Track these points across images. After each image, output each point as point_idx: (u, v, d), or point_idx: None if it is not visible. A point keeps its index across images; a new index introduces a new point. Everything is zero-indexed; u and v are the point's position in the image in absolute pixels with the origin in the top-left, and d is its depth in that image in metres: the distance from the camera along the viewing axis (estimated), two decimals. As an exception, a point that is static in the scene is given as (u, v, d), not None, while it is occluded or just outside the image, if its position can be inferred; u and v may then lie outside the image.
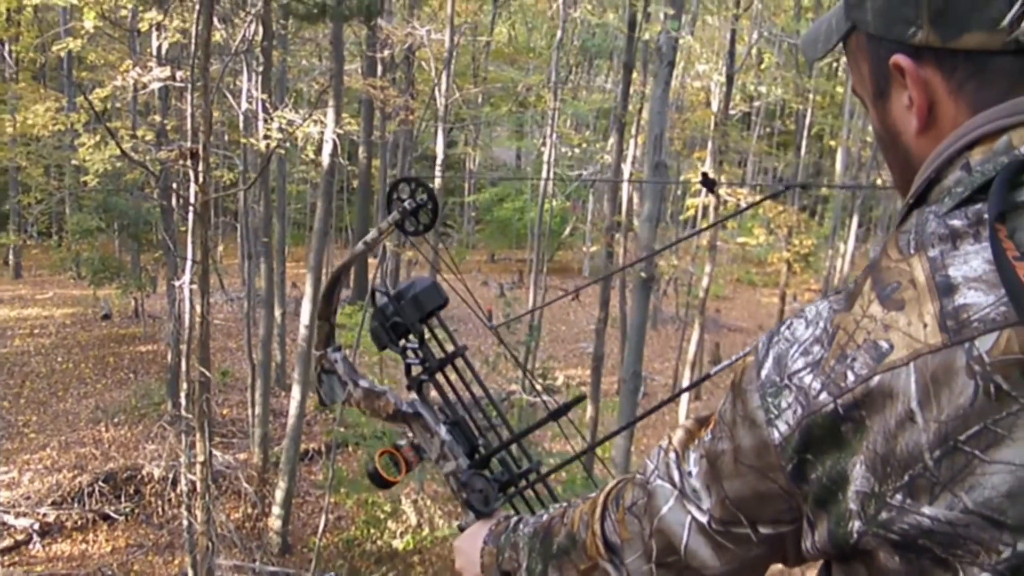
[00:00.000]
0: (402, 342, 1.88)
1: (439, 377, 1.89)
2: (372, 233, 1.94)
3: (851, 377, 0.88)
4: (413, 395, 1.90)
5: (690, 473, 1.12)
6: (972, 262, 0.86)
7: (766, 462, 0.97)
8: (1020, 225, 0.87)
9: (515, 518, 1.59)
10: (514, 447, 1.85)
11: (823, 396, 0.90)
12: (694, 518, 1.11)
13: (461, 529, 1.73)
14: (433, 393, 1.90)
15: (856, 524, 0.89)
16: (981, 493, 0.81)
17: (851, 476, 0.89)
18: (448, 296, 1.93)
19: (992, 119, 0.95)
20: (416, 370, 1.88)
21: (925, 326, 0.85)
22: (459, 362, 1.89)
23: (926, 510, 0.83)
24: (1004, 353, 0.80)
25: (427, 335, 1.90)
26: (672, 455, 1.16)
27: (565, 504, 1.46)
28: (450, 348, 1.90)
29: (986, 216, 0.88)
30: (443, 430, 1.82)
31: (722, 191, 20.68)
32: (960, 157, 0.96)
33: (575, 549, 1.33)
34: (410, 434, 1.87)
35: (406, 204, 1.90)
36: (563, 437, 1.99)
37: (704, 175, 2.42)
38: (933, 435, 0.82)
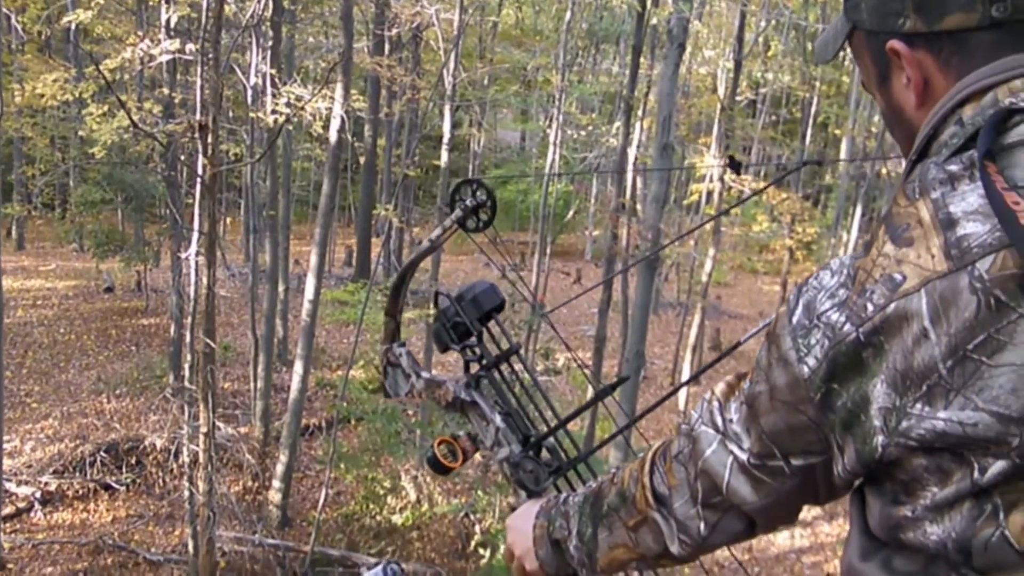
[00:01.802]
0: (463, 342, 1.97)
1: (494, 371, 1.98)
2: (436, 231, 2.09)
3: (870, 308, 0.99)
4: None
5: (731, 420, 1.24)
6: (969, 198, 0.98)
7: (797, 396, 1.09)
8: (1009, 163, 1.01)
9: (565, 493, 1.69)
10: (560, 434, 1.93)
11: (847, 327, 1.01)
12: (735, 457, 1.23)
13: (512, 509, 1.80)
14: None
15: (880, 439, 1.00)
16: (990, 393, 0.92)
17: (872, 396, 1.00)
18: (504, 297, 2.02)
19: (979, 79, 1.10)
20: (474, 367, 1.97)
21: (933, 257, 0.96)
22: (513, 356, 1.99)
23: (941, 414, 0.94)
24: (1001, 270, 0.92)
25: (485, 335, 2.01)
26: (715, 403, 1.29)
27: (614, 470, 1.54)
28: (505, 346, 2.00)
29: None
30: (498, 418, 1.90)
31: (727, 178, 20.70)
32: (953, 114, 1.11)
33: (625, 506, 1.44)
34: (469, 424, 1.96)
35: (467, 203, 2.02)
36: (579, 419, 2.07)
37: (731, 157, 2.52)
38: (945, 347, 0.93)
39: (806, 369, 1.06)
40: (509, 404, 1.95)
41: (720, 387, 1.30)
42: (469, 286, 2.01)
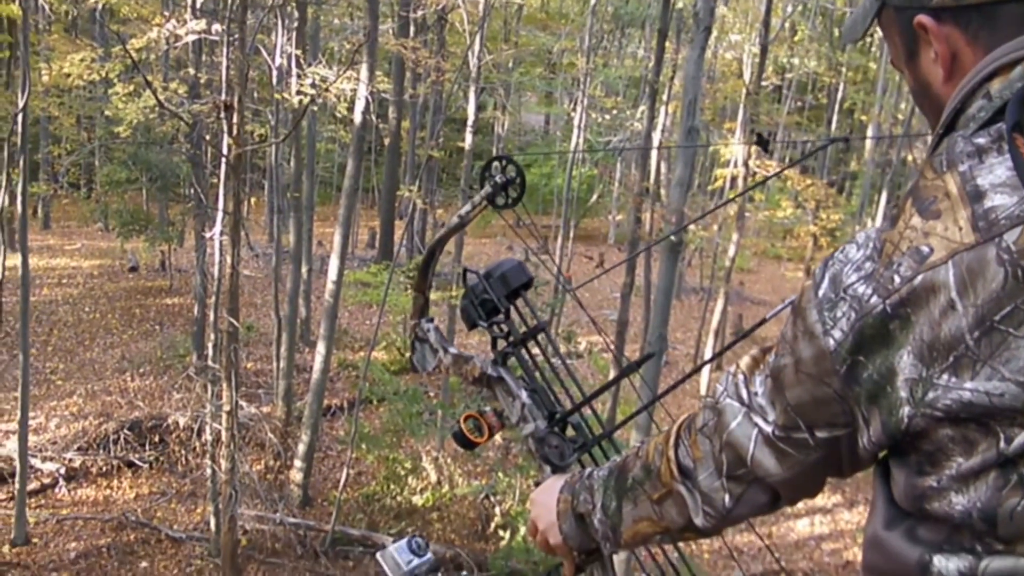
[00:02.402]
0: (491, 319, 2.00)
1: (521, 349, 2.01)
2: (466, 207, 2.11)
3: (897, 280, 1.00)
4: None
5: (756, 392, 1.25)
6: (996, 171, 0.99)
7: (822, 368, 1.09)
8: None
9: (590, 468, 1.69)
10: (585, 410, 1.95)
11: (874, 299, 1.02)
12: (760, 430, 1.24)
13: (537, 484, 1.81)
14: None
15: (906, 409, 1.01)
16: (1016, 364, 0.93)
17: (899, 368, 1.01)
18: (532, 275, 2.04)
19: (1007, 52, 1.09)
20: (501, 344, 1.99)
21: (960, 229, 0.97)
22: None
23: (968, 385, 0.95)
24: None
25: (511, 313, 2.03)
26: (740, 376, 1.29)
27: (639, 444, 1.55)
28: (532, 323, 2.02)
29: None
30: (524, 394, 1.91)
31: (751, 163, 20.61)
32: (981, 88, 1.10)
33: (649, 479, 1.45)
34: (495, 401, 1.97)
35: (497, 179, 2.04)
36: (602, 399, 2.09)
37: (759, 134, 2.51)
38: (972, 318, 0.94)
39: (831, 342, 1.06)
40: (535, 381, 1.96)
41: (745, 361, 1.31)
42: (497, 263, 2.03)
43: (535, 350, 2.03)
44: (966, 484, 0.99)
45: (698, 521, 1.38)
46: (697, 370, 2.16)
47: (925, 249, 0.98)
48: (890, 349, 1.01)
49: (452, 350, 2.06)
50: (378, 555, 2.09)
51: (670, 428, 1.44)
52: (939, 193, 1.01)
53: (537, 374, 1.98)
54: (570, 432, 1.91)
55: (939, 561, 1.03)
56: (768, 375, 1.23)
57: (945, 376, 0.96)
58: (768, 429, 1.22)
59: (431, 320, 2.14)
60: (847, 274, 1.07)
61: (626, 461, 1.53)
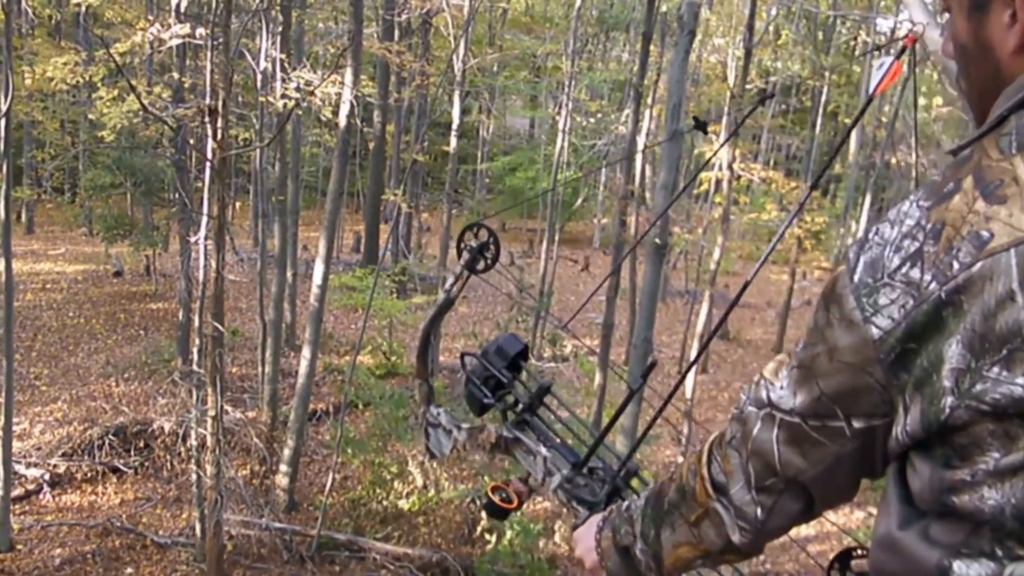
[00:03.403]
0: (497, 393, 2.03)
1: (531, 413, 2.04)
2: (450, 280, 2.15)
3: (956, 266, 0.95)
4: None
5: (780, 386, 1.20)
6: None
7: (864, 357, 1.05)
8: None
9: (628, 500, 1.66)
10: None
11: (932, 285, 0.97)
12: (782, 425, 1.20)
13: (575, 528, 1.79)
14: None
15: (949, 400, 0.97)
16: None
17: (946, 356, 0.96)
18: (526, 343, 2.08)
19: None
20: (512, 416, 2.02)
21: None
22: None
23: (1020, 380, 0.91)
24: None
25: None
26: (763, 381, 1.25)
27: (673, 470, 1.51)
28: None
29: None
30: (543, 449, 1.93)
31: (736, 166, 20.65)
32: None
33: (685, 501, 1.41)
34: (518, 467, 2.00)
35: (472, 245, 2.10)
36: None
37: (695, 118, 2.56)
38: None
39: (874, 330, 1.02)
40: (551, 440, 1.98)
41: (769, 366, 1.27)
42: (491, 342, 2.07)
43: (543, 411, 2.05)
44: (1002, 480, 0.95)
45: (735, 538, 1.34)
46: (687, 371, 2.17)
47: (985, 234, 0.94)
48: (941, 336, 0.96)
49: (464, 426, 2.09)
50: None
51: (702, 446, 1.40)
52: (1006, 177, 0.96)
53: (552, 433, 2.00)
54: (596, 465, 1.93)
55: (959, 568, 0.99)
56: (796, 366, 1.18)
57: (996, 369, 0.92)
58: (794, 420, 1.18)
59: (439, 406, 2.16)
60: (888, 257, 1.02)
61: (662, 486, 1.49)
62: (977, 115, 1.15)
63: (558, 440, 1.97)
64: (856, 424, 1.12)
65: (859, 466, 1.19)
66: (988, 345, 0.92)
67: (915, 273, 0.99)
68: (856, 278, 1.05)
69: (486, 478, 14.52)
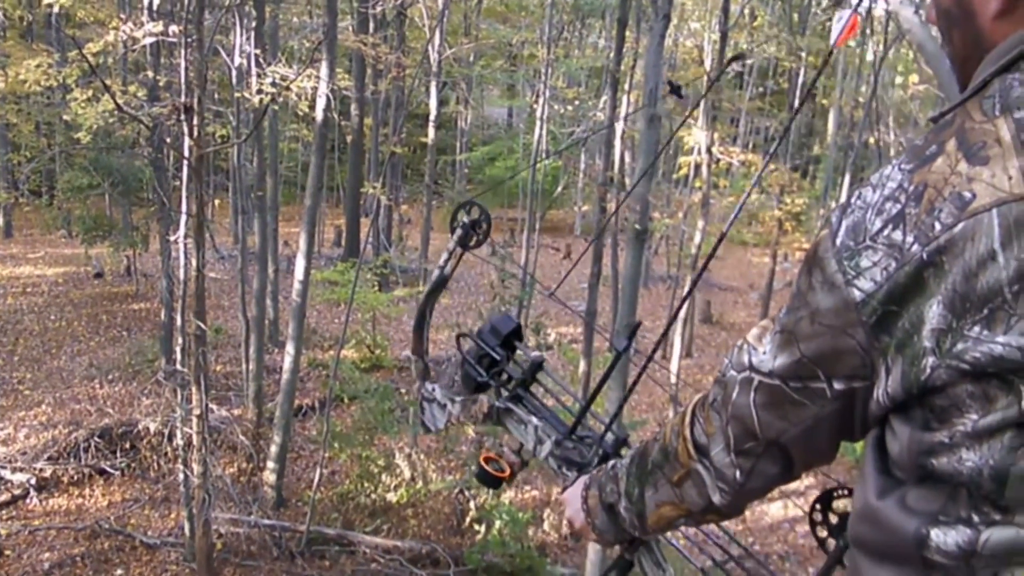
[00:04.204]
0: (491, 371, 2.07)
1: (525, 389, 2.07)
2: (443, 256, 2.21)
3: (938, 227, 0.95)
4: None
5: (763, 351, 1.20)
6: None
7: (845, 320, 1.05)
8: None
9: (615, 460, 1.68)
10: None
11: (914, 247, 0.97)
12: (758, 392, 1.21)
13: (565, 489, 1.82)
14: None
15: (930, 360, 0.97)
16: None
17: (927, 317, 0.97)
18: (519, 322, 2.12)
19: None
20: (505, 392, 2.05)
21: (1010, 179, 0.92)
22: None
23: (1000, 339, 0.92)
24: None
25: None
26: (745, 346, 1.25)
27: (658, 430, 1.52)
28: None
29: None
30: (535, 419, 1.96)
31: (715, 149, 20.69)
32: None
33: (668, 461, 1.42)
34: (508, 438, 2.05)
35: (465, 221, 2.16)
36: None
37: (669, 82, 2.58)
38: (1013, 271, 0.91)
39: (856, 292, 1.03)
40: (542, 410, 2.01)
41: (753, 332, 1.27)
42: (487, 323, 2.11)
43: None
44: (980, 441, 0.96)
45: (715, 499, 1.35)
46: (663, 337, 2.18)
47: (967, 195, 0.94)
48: (922, 298, 0.97)
49: (459, 398, 2.12)
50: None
51: (686, 408, 1.41)
52: (989, 138, 0.97)
53: (542, 406, 2.03)
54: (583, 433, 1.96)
55: (937, 536, 1.00)
56: (778, 331, 1.17)
57: (976, 328, 0.93)
58: (775, 383, 1.18)
59: (434, 382, 2.21)
60: (871, 220, 1.02)
61: (646, 446, 1.50)
62: (960, 80, 1.16)
63: (548, 412, 1.98)
64: (837, 386, 1.12)
65: (839, 428, 1.19)
66: (969, 305, 0.93)
67: (897, 235, 0.99)
68: (838, 241, 1.05)
69: (474, 467, 14.53)
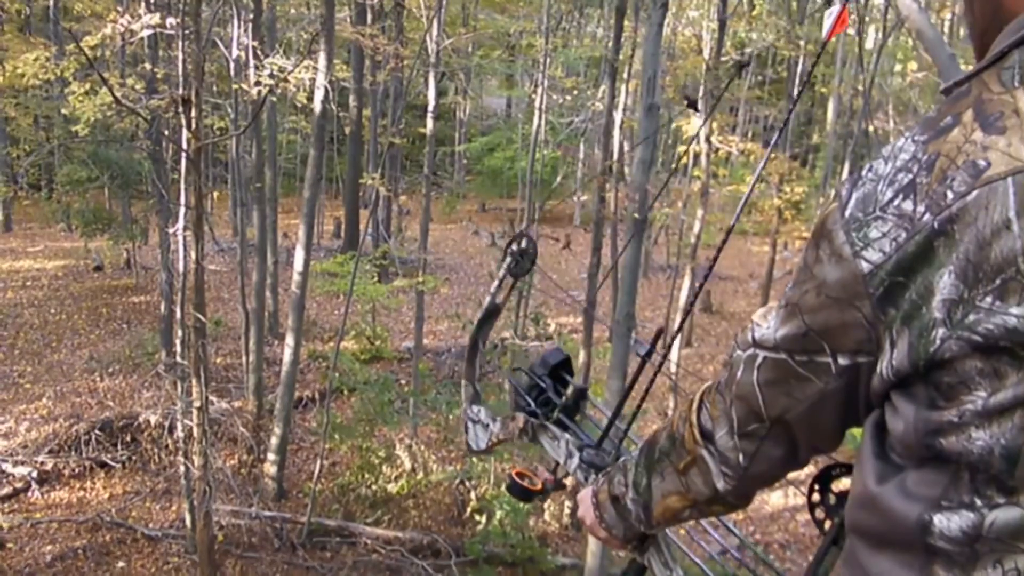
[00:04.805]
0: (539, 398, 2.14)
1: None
2: (494, 284, 2.29)
3: (950, 195, 0.94)
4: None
5: (767, 327, 1.18)
6: None
7: (852, 292, 1.03)
8: None
9: (626, 455, 1.71)
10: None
11: (926, 217, 0.95)
12: (761, 369, 1.19)
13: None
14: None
15: (940, 331, 0.95)
16: None
17: (937, 288, 0.95)
18: (569, 354, 2.22)
19: None
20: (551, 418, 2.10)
21: None
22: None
23: (1013, 310, 0.90)
24: None
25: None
26: (751, 325, 1.23)
27: (667, 418, 1.51)
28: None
29: None
30: (567, 436, 2.00)
31: (714, 139, 20.66)
32: None
33: (675, 449, 1.40)
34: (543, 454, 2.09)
35: (514, 249, 2.25)
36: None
37: (686, 97, 2.61)
38: None
39: (864, 264, 1.01)
40: (575, 429, 2.06)
41: (759, 311, 1.25)
42: (539, 357, 2.21)
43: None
44: (990, 420, 0.93)
45: (720, 485, 1.34)
46: (677, 332, 2.19)
47: (982, 163, 0.92)
48: (931, 268, 0.95)
49: (499, 418, 2.22)
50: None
51: (694, 394, 1.39)
52: (1007, 109, 0.95)
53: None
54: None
55: (940, 521, 0.98)
56: (784, 305, 1.15)
57: (989, 299, 0.91)
58: (780, 356, 1.16)
59: (481, 405, 2.30)
60: (882, 191, 1.01)
61: (655, 435, 1.48)
62: (978, 51, 1.14)
63: (579, 427, 2.04)
64: (842, 361, 1.10)
65: (844, 408, 1.16)
66: (982, 275, 0.91)
67: (907, 205, 0.98)
68: (847, 213, 1.04)
69: (474, 458, 14.56)
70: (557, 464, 2.01)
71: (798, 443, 1.25)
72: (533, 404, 2.10)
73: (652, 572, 1.76)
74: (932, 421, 0.98)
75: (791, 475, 1.37)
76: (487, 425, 2.23)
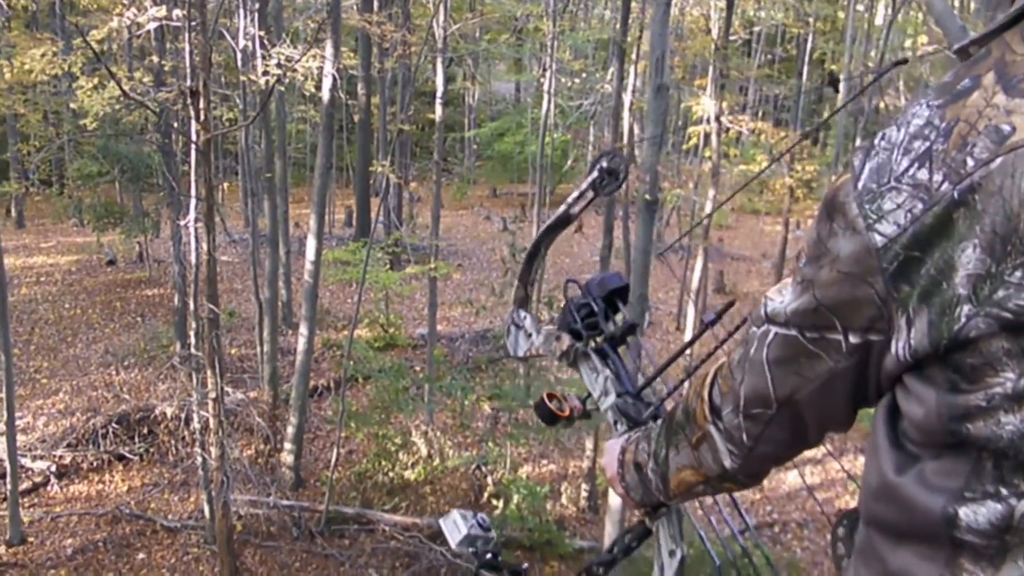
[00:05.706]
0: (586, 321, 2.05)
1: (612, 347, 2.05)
2: (573, 194, 2.14)
3: (971, 163, 0.87)
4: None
5: (781, 302, 1.13)
6: None
7: (865, 266, 0.97)
8: None
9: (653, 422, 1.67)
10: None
11: (944, 186, 0.89)
12: (771, 346, 1.14)
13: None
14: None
15: (966, 308, 0.89)
16: None
17: (959, 263, 0.88)
18: (627, 281, 2.12)
19: None
20: (593, 344, 2.03)
21: None
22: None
23: None
24: None
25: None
26: (764, 300, 1.17)
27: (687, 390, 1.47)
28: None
29: None
30: (607, 371, 1.95)
31: (724, 119, 20.59)
32: None
33: (688, 422, 1.37)
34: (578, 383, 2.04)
35: (603, 165, 2.09)
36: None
37: (831, 73, 2.53)
38: None
39: (877, 237, 0.94)
40: (618, 366, 1.99)
41: (774, 287, 1.18)
42: (596, 275, 2.10)
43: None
44: (1020, 404, 0.87)
45: (727, 463, 1.30)
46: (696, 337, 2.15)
47: (1006, 128, 0.86)
48: (951, 241, 0.89)
49: (545, 328, 2.12)
50: (440, 520, 2.14)
51: (710, 369, 1.35)
52: None
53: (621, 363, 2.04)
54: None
55: (967, 514, 0.92)
56: (798, 280, 1.09)
57: (1019, 273, 0.84)
58: (791, 333, 1.10)
59: (528, 311, 2.20)
60: (896, 160, 0.94)
61: (675, 407, 1.45)
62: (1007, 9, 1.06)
63: (624, 368, 1.97)
64: (853, 339, 1.04)
65: (854, 388, 1.11)
66: (1011, 248, 0.85)
67: (923, 174, 0.91)
68: (860, 185, 0.97)
69: (490, 443, 14.58)
70: (588, 395, 1.97)
71: (807, 424, 1.21)
72: (579, 322, 2.01)
73: (656, 539, 1.75)
74: (958, 406, 0.93)
75: (807, 455, 1.34)
76: (530, 335, 2.15)
